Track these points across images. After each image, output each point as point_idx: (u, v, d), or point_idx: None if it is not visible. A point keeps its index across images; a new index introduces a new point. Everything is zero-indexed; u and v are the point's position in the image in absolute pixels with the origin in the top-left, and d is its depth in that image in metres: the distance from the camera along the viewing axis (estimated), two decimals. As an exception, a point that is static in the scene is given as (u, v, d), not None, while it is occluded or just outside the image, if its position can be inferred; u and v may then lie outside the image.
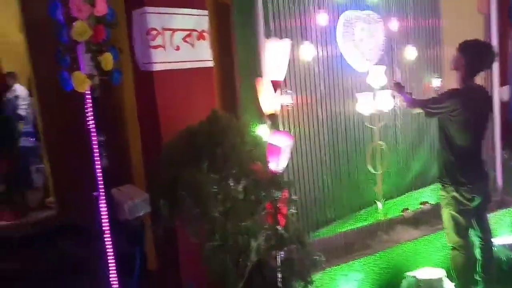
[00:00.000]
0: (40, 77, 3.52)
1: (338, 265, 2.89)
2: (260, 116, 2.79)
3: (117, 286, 2.06)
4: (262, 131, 2.62)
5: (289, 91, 3.05)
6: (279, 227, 2.48)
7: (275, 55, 2.48)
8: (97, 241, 2.24)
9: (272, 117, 2.53)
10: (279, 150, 2.28)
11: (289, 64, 2.81)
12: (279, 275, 2.57)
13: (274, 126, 2.53)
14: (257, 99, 2.75)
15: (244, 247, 2.42)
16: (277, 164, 2.31)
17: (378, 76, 3.46)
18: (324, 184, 3.33)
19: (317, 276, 2.60)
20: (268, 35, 2.91)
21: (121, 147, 2.87)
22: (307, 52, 3.16)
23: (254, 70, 2.93)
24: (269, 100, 2.51)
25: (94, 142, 1.95)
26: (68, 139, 3.31)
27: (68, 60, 1.95)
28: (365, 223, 3.48)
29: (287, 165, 2.52)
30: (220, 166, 2.29)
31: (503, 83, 3.92)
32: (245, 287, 2.53)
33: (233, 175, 2.28)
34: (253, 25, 2.92)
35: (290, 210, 2.52)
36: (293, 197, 2.48)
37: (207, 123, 2.39)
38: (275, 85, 2.46)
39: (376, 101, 3.44)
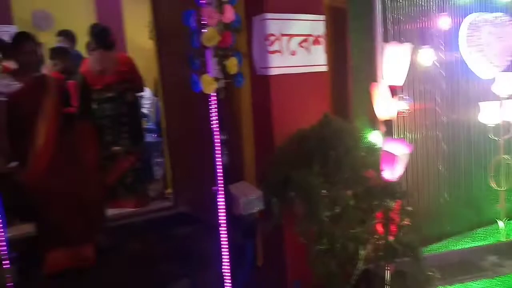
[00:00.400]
0: (167, 80, 3.88)
1: (453, 284, 2.70)
2: (373, 122, 2.74)
3: (229, 276, 2.18)
4: (375, 138, 2.57)
5: (406, 97, 2.94)
6: (390, 238, 2.42)
7: (394, 60, 2.41)
8: (209, 232, 2.40)
9: (387, 123, 2.47)
10: (395, 158, 2.22)
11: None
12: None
13: (389, 133, 2.45)
14: (371, 104, 2.70)
15: (352, 254, 2.40)
16: (392, 172, 2.25)
17: (506, 84, 3.17)
18: (439, 197, 3.15)
19: (429, 293, 2.46)
20: (385, 39, 2.85)
21: (237, 146, 3.03)
22: (427, 56, 3.01)
23: (369, 75, 2.89)
24: (385, 105, 2.45)
25: (217, 141, 2.09)
26: (188, 137, 3.59)
27: (198, 64, 2.12)
28: (484, 243, 3.20)
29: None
30: (332, 170, 2.30)
31: None
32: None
33: (345, 180, 2.27)
34: (370, 29, 2.89)
35: (404, 222, 2.44)
36: (407, 208, 2.39)
37: (319, 127, 2.42)
38: (393, 90, 2.39)
39: (502, 111, 3.16)
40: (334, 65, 3.12)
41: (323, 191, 2.29)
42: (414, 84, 3.05)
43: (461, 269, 2.90)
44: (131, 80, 3.93)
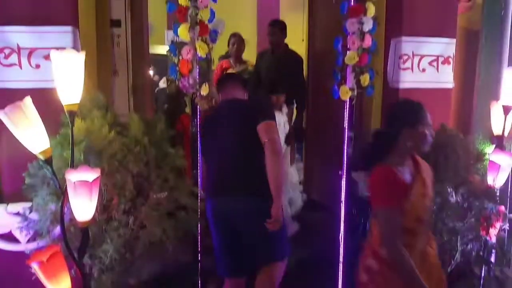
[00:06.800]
0: (312, 88, 4.67)
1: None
2: (490, 137, 3.07)
3: (343, 237, 2.81)
4: (489, 150, 2.91)
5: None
6: (488, 239, 2.75)
7: (510, 82, 2.74)
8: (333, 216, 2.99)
9: (499, 138, 2.80)
10: (498, 167, 2.58)
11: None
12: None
13: (500, 146, 2.79)
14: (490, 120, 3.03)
15: (450, 246, 2.80)
16: (494, 179, 2.61)
17: None
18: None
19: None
20: (512, 63, 3.13)
21: (364, 141, 3.62)
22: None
23: (493, 94, 3.20)
24: (499, 122, 2.79)
25: (346, 136, 2.76)
26: (323, 134, 4.30)
27: (339, 78, 2.81)
28: None
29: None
30: (440, 170, 2.75)
31: None
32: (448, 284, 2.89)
33: (450, 180, 2.70)
34: (500, 52, 3.19)
35: (504, 227, 2.75)
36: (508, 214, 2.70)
37: (435, 134, 2.86)
38: (506, 109, 2.72)
39: None
40: (462, 82, 3.48)
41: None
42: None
43: None
44: None
